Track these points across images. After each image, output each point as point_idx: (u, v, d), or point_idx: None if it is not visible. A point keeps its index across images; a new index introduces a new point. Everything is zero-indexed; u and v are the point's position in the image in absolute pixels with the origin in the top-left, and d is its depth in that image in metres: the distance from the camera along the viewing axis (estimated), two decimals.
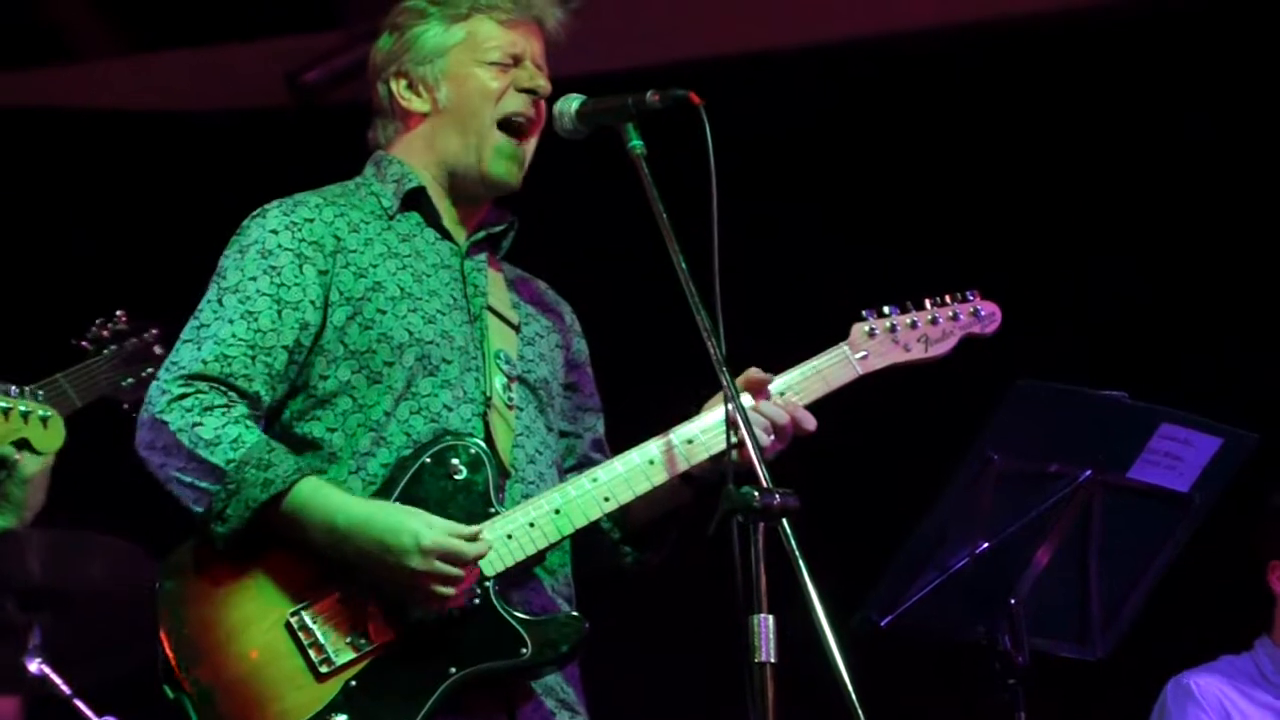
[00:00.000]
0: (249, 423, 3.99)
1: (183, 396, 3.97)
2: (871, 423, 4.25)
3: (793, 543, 3.61)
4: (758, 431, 4.01)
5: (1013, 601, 4.76)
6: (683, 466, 4.09)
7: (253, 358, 4.02)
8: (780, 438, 4.10)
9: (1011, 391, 4.56)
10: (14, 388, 4.47)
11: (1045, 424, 4.64)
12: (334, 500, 3.93)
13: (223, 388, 4.00)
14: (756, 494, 3.63)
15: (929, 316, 4.31)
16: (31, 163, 7.54)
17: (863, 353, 4.24)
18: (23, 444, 4.46)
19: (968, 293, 4.37)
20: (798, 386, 4.18)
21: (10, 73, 7.72)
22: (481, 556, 3.93)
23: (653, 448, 4.10)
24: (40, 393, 4.65)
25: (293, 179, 4.39)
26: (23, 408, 4.41)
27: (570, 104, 4.18)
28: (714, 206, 3.86)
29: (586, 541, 4.15)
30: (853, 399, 4.29)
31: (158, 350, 5.23)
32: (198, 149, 7.71)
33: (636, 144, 4.05)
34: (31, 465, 4.64)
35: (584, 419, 4.39)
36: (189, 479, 3.94)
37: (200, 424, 3.95)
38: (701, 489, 4.14)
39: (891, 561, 4.71)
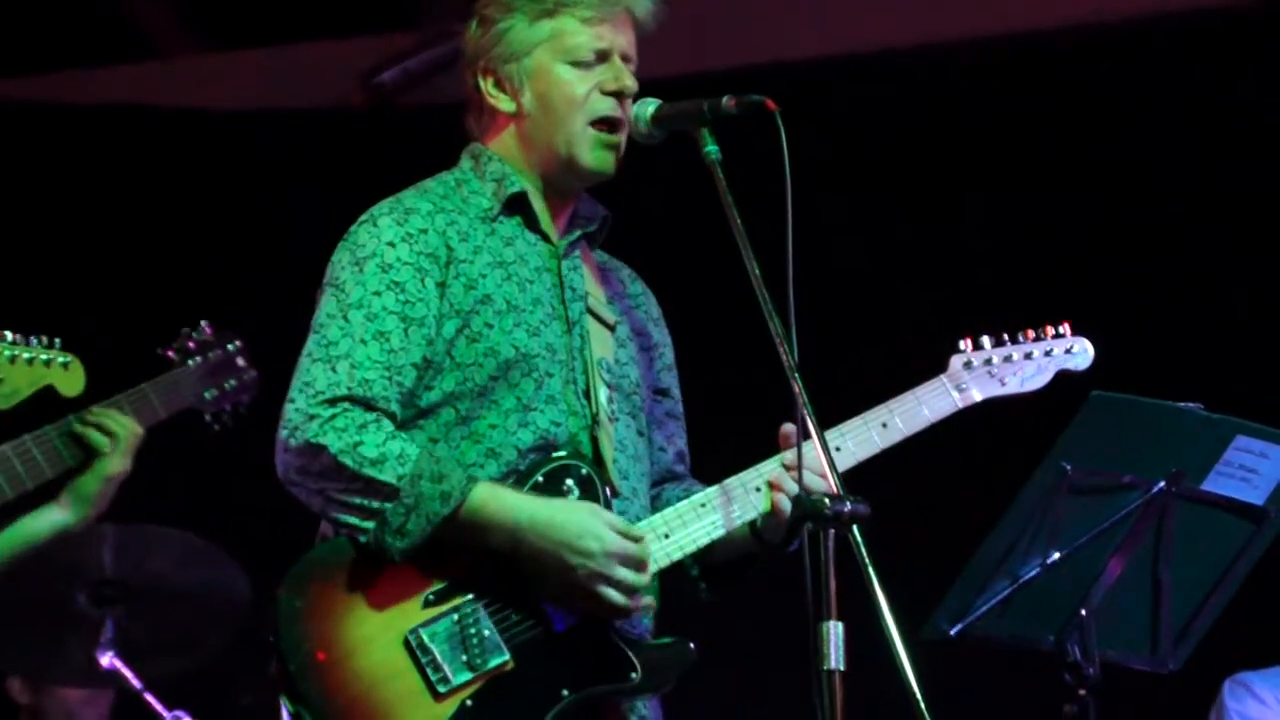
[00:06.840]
0: (404, 436, 3.95)
1: (333, 417, 3.91)
2: (943, 431, 4.23)
3: (863, 550, 3.60)
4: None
5: (1083, 612, 4.72)
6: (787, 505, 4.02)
7: (390, 379, 3.96)
8: None
9: (1087, 402, 4.53)
10: (15, 335, 4.47)
11: (1119, 435, 4.61)
12: (510, 499, 3.94)
13: (363, 407, 3.94)
14: (827, 501, 3.63)
15: (1024, 351, 4.37)
16: (109, 159, 7.59)
17: (961, 385, 4.30)
18: (48, 391, 4.44)
19: (1060, 326, 4.43)
20: (902, 415, 4.21)
21: (88, 69, 7.78)
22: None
23: (752, 476, 4.10)
24: (126, 405, 4.69)
25: (366, 180, 4.40)
26: (43, 356, 4.42)
27: (645, 108, 4.15)
28: (789, 212, 3.83)
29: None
30: None
31: (240, 363, 5.20)
32: (272, 148, 7.74)
33: (711, 150, 4.02)
34: (115, 463, 4.66)
35: (668, 426, 4.34)
36: (357, 500, 3.89)
37: (361, 443, 3.89)
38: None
39: (962, 570, 4.69)
